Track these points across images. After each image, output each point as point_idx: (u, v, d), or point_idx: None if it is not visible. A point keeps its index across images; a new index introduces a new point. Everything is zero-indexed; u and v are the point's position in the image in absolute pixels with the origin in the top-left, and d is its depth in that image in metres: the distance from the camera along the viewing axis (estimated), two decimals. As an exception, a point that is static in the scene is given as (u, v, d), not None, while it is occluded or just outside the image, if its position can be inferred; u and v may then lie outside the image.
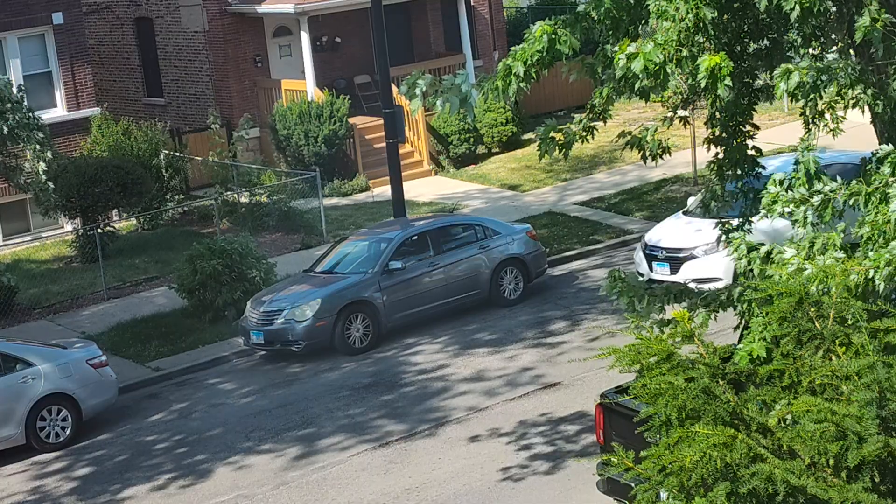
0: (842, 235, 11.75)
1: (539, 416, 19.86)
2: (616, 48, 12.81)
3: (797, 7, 12.34)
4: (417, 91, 13.31)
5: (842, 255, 11.34)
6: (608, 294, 14.65)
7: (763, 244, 12.38)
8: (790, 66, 12.42)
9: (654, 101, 14.05)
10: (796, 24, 12.75)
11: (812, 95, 12.41)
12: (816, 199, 11.89)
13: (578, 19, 13.47)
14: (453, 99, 13.32)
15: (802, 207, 11.93)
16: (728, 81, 12.12)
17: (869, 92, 12.79)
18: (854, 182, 11.94)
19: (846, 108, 13.20)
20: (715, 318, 14.01)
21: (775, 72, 12.60)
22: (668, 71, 12.22)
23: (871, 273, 10.89)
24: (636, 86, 12.41)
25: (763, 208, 12.30)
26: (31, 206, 31.59)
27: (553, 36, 13.16)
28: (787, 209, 12.00)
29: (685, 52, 12.32)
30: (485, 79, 13.59)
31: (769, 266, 11.86)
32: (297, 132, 33.68)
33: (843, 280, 9.79)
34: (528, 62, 13.19)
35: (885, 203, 11.41)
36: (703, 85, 12.23)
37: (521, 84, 13.25)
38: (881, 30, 12.21)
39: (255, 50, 36.42)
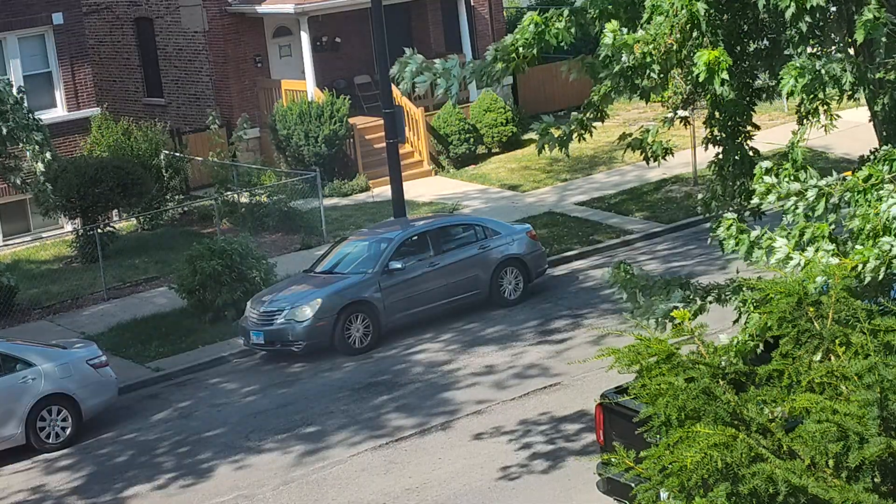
0: (832, 227, 11.75)
1: (539, 416, 19.85)
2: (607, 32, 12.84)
3: (792, 5, 12.35)
4: (407, 72, 13.33)
5: (831, 246, 11.33)
6: (610, 283, 14.64)
7: (753, 229, 12.38)
8: (800, 62, 12.43)
9: (655, 101, 14.07)
10: (791, 23, 12.75)
11: (816, 95, 12.43)
12: (811, 193, 11.88)
13: (573, 13, 13.47)
14: (440, 82, 13.35)
15: (794, 199, 11.93)
16: (725, 75, 12.13)
17: (867, 88, 12.80)
18: (850, 178, 11.94)
19: (840, 100, 13.22)
20: (708, 309, 14.01)
21: (783, 69, 12.61)
22: (654, 62, 12.24)
23: (859, 267, 10.91)
24: (634, 80, 12.43)
25: (756, 196, 12.28)
26: (31, 207, 31.58)
27: (543, 27, 13.20)
28: (780, 201, 11.99)
29: (675, 47, 12.33)
30: (472, 63, 13.65)
31: (756, 249, 11.86)
32: (297, 132, 33.67)
33: (843, 281, 9.79)
34: (517, 49, 13.23)
35: (878, 200, 11.41)
36: (700, 80, 12.25)
37: (511, 66, 13.29)
38: (882, 28, 12.21)
39: (255, 50, 36.40)
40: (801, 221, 11.80)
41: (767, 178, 12.14)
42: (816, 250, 11.37)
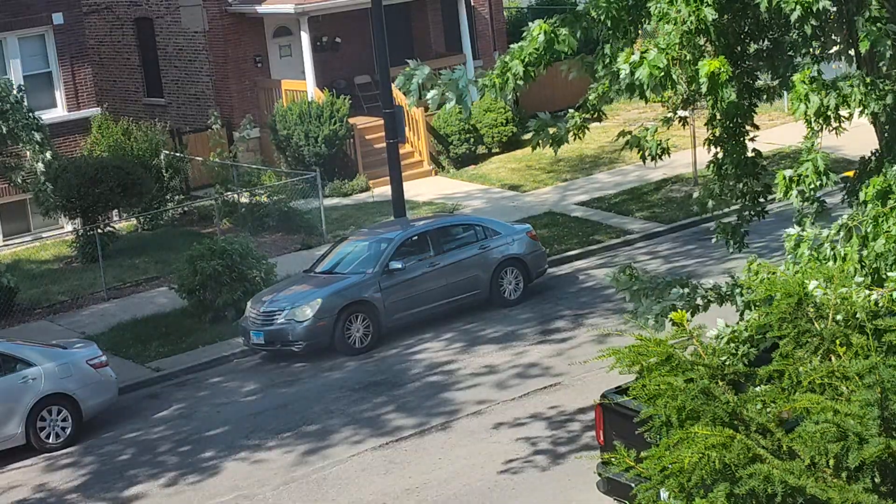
0: (858, 255, 11.77)
1: (539, 416, 19.85)
2: (614, 50, 12.83)
3: (798, 8, 12.34)
4: (413, 84, 13.28)
5: (861, 280, 11.28)
6: (617, 288, 14.63)
7: (779, 265, 12.42)
8: (803, 76, 12.43)
9: (654, 101, 14.08)
10: (797, 25, 12.75)
11: (828, 116, 12.46)
12: (840, 233, 11.95)
13: (578, 18, 13.47)
14: (449, 94, 13.31)
15: (828, 244, 11.99)
16: (730, 89, 12.15)
17: (874, 97, 12.80)
18: (870, 206, 11.95)
19: (851, 115, 13.24)
20: (707, 308, 14.01)
21: (791, 94, 12.62)
22: (674, 77, 12.24)
23: (895, 294, 10.88)
24: (645, 93, 12.43)
25: (788, 254, 12.34)
26: (31, 207, 31.59)
27: (551, 35, 13.17)
28: (812, 248, 12.06)
29: (687, 55, 12.32)
30: (482, 75, 13.60)
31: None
32: (298, 132, 33.68)
33: (865, 304, 9.80)
34: (526, 61, 13.19)
35: None
36: (704, 90, 12.26)
37: (519, 82, 13.25)
38: (886, 39, 12.22)
39: (255, 50, 36.40)
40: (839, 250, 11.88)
41: (791, 231, 12.20)
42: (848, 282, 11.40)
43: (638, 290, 14.35)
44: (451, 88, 13.28)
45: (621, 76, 12.39)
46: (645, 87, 12.29)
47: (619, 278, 14.51)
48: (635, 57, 12.31)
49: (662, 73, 12.20)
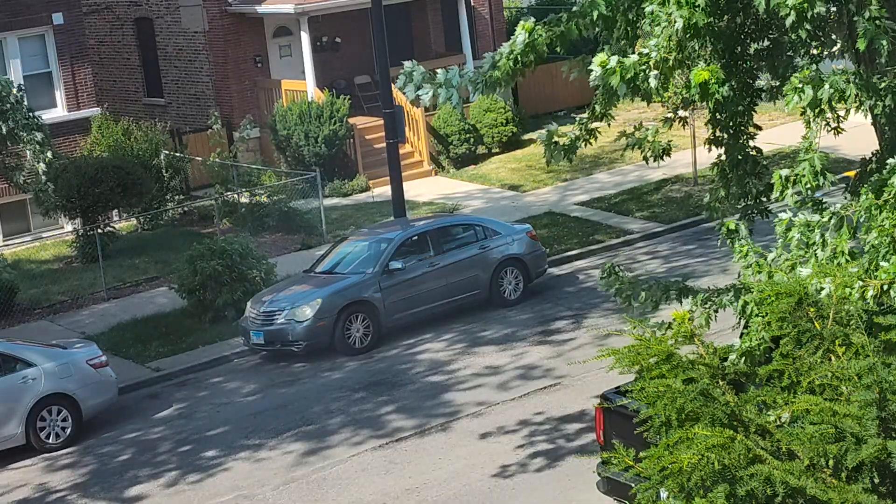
0: (849, 243, 11.77)
1: (540, 416, 19.86)
2: (614, 50, 12.85)
3: (791, 13, 12.35)
4: (411, 85, 13.37)
5: (856, 269, 11.27)
6: (604, 289, 14.67)
7: (770, 252, 12.41)
8: (802, 77, 12.46)
9: (656, 101, 14.08)
10: (793, 29, 12.76)
11: (822, 109, 12.48)
12: (832, 221, 11.96)
13: (571, 18, 13.49)
14: (441, 92, 13.40)
15: (818, 230, 11.99)
16: (719, 96, 12.19)
17: (870, 95, 12.80)
18: (864, 197, 11.96)
19: (848, 111, 13.23)
20: (714, 318, 13.99)
21: (786, 85, 12.65)
22: (651, 80, 12.26)
23: (886, 286, 10.87)
24: (621, 94, 12.50)
25: (779, 236, 12.36)
26: (31, 206, 31.59)
27: (531, 35, 13.24)
28: (802, 233, 12.08)
29: (675, 57, 12.32)
30: (475, 73, 13.67)
31: (777, 273, 11.88)
32: (298, 132, 33.68)
33: (860, 292, 9.79)
34: (515, 58, 13.26)
35: (893, 210, 11.43)
36: (696, 98, 12.31)
37: (506, 79, 13.33)
38: (885, 35, 12.22)
39: (255, 50, 36.41)
40: (829, 241, 11.90)
41: (783, 215, 12.23)
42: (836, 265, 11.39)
43: (628, 292, 14.37)
44: (446, 87, 13.36)
45: (591, 77, 12.48)
46: (617, 93, 12.39)
47: (608, 282, 14.56)
48: (612, 61, 12.35)
49: (637, 77, 12.25)
